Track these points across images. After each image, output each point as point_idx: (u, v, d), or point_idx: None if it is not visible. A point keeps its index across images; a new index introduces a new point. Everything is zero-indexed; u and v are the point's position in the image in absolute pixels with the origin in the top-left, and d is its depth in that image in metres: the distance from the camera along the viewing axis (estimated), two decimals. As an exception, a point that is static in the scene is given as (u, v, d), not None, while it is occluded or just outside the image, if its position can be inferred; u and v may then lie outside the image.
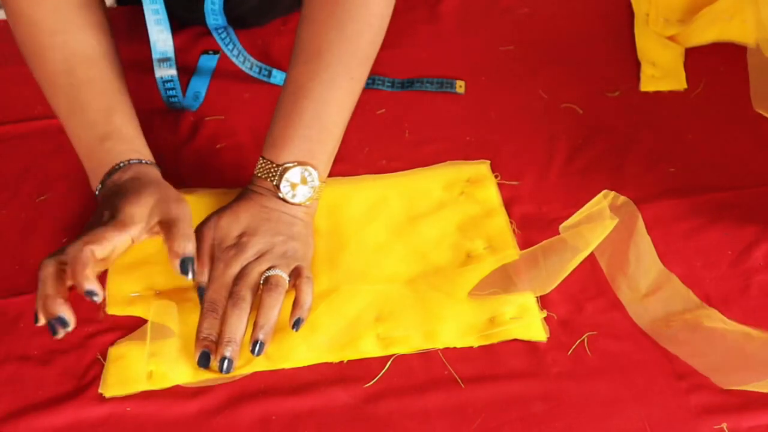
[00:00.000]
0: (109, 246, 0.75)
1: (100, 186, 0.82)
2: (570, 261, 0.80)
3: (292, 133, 0.84)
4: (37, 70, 0.86)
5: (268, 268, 0.79)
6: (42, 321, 0.73)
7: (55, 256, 0.75)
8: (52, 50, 0.85)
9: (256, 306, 0.78)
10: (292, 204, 0.83)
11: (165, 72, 0.98)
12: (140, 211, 0.77)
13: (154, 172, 0.84)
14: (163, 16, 0.94)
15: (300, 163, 0.83)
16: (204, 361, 0.76)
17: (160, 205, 0.78)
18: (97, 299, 0.72)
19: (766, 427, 0.73)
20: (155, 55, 0.97)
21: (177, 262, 0.75)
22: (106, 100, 0.85)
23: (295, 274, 0.80)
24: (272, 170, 0.83)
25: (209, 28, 1.01)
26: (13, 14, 0.86)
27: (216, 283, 0.79)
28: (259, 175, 0.84)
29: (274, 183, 0.83)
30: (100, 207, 0.80)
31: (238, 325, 0.77)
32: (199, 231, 0.82)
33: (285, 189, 0.83)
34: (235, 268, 0.80)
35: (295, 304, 0.78)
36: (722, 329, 0.78)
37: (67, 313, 0.73)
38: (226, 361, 0.76)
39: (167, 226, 0.77)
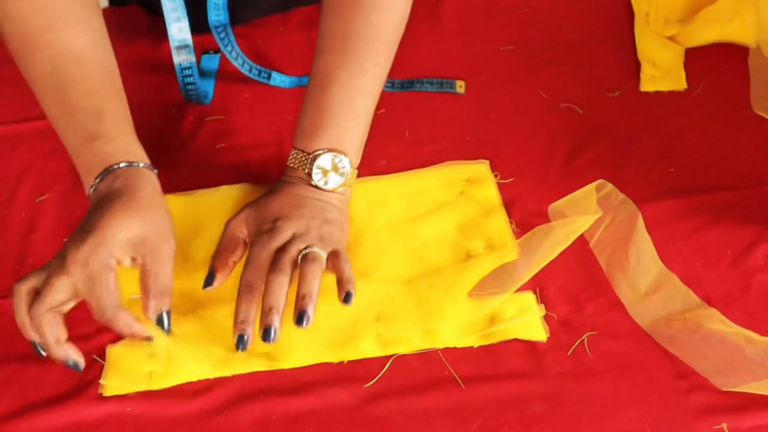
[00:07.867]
0: (69, 294, 0.74)
1: (92, 190, 0.80)
2: (560, 243, 0.81)
3: (321, 121, 0.84)
4: (25, 70, 0.84)
5: (306, 247, 0.79)
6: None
7: (45, 302, 0.74)
8: (39, 49, 0.82)
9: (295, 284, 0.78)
10: (325, 191, 0.84)
11: (184, 58, 0.97)
12: (122, 234, 0.75)
13: (148, 179, 0.79)
14: (180, 3, 0.93)
15: (330, 150, 0.83)
16: (241, 345, 0.76)
17: (146, 243, 0.76)
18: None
19: (766, 427, 0.73)
20: (173, 44, 0.96)
21: (153, 317, 0.76)
22: (95, 100, 0.82)
23: (333, 256, 0.80)
24: (303, 159, 0.84)
25: (210, 26, 1.00)
26: (1, 12, 0.83)
27: (252, 265, 0.79)
28: (291, 165, 0.85)
29: (306, 171, 0.83)
30: (88, 213, 0.78)
31: (280, 293, 0.76)
32: (229, 225, 0.83)
33: (317, 176, 0.83)
34: (270, 249, 0.79)
35: (340, 281, 0.78)
36: (723, 331, 0.77)
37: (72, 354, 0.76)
38: (272, 331, 0.76)
39: (145, 276, 0.76)
